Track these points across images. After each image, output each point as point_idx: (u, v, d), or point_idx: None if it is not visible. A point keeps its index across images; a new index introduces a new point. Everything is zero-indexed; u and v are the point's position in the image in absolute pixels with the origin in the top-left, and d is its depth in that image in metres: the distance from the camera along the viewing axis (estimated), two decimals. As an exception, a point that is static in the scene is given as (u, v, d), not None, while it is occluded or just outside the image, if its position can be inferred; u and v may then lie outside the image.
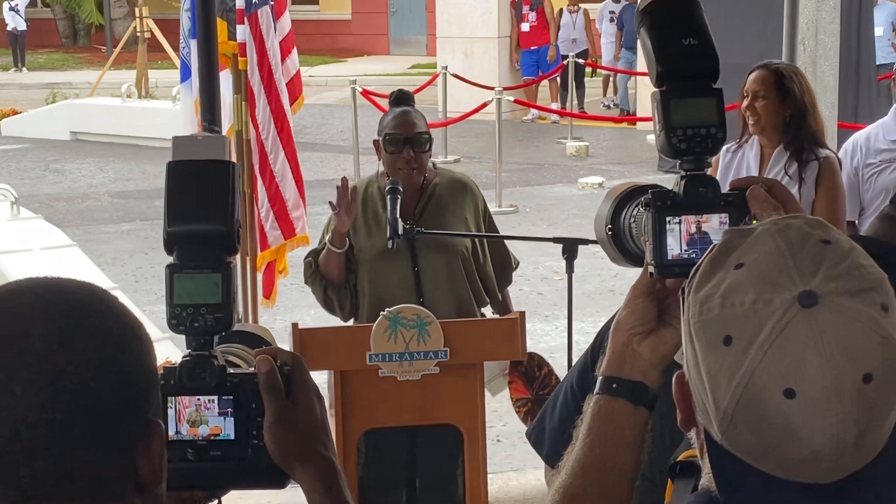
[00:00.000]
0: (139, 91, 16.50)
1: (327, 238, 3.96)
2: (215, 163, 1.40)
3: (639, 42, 1.60)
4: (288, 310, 7.37)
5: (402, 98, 4.14)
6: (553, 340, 7.11)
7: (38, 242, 6.90)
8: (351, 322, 4.05)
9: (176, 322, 1.39)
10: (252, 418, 1.39)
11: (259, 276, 5.65)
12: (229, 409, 1.38)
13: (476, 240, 4.12)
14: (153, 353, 1.20)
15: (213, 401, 1.38)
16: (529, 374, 4.02)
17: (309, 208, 5.66)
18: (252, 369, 1.40)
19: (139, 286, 8.16)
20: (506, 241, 4.30)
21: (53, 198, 11.96)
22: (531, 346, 6.87)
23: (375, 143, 4.10)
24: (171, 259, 1.40)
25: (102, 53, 25.57)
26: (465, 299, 4.06)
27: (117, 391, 1.15)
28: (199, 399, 1.38)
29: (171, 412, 1.37)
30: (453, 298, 4.01)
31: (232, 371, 1.40)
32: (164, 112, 14.53)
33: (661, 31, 1.52)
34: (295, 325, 3.69)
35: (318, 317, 7.08)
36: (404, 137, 3.96)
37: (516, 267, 4.33)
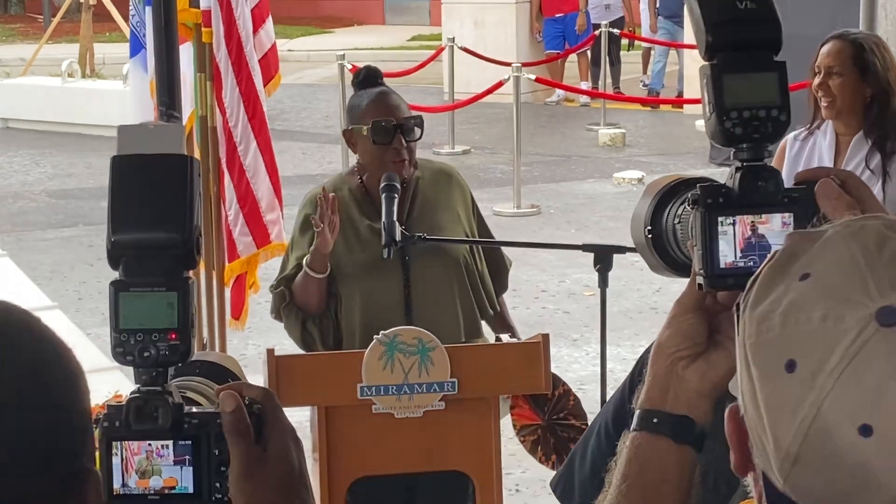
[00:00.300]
0: (83, 69, 16.53)
1: (305, 261, 3.94)
2: (170, 157, 1.40)
3: (685, 5, 1.59)
4: (262, 333, 7.36)
5: (371, 77, 4.14)
6: (583, 369, 7.11)
7: (-40, 252, 6.91)
8: None
9: (122, 351, 1.38)
10: (214, 468, 1.38)
11: (227, 293, 5.65)
12: (187, 457, 1.37)
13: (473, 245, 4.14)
14: (85, 388, 1.20)
15: (167, 446, 1.37)
16: (538, 395, 4.02)
17: (287, 210, 5.65)
18: (215, 408, 1.39)
19: (82, 304, 8.17)
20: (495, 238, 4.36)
21: (-21, 198, 11.99)
22: (558, 375, 6.92)
23: (346, 133, 4.11)
24: (116, 275, 1.39)
25: (39, 24, 25.63)
26: (469, 315, 4.08)
27: (40, 433, 1.14)
28: (150, 444, 1.37)
29: (116, 460, 1.36)
30: (456, 316, 4.02)
31: (191, 410, 1.40)
32: (113, 94, 14.55)
33: None
34: (270, 352, 3.69)
35: (298, 341, 7.08)
36: (395, 124, 3.97)
37: (509, 267, 4.38)
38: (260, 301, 7.60)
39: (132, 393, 1.38)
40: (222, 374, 1.54)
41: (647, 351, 1.71)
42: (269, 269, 5.37)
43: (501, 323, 4.29)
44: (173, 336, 1.37)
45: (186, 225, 1.37)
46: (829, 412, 1.16)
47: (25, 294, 6.79)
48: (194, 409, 1.40)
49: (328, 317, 4.03)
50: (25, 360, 1.16)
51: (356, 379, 3.69)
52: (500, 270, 4.29)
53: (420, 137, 4.05)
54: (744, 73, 1.51)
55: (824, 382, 1.16)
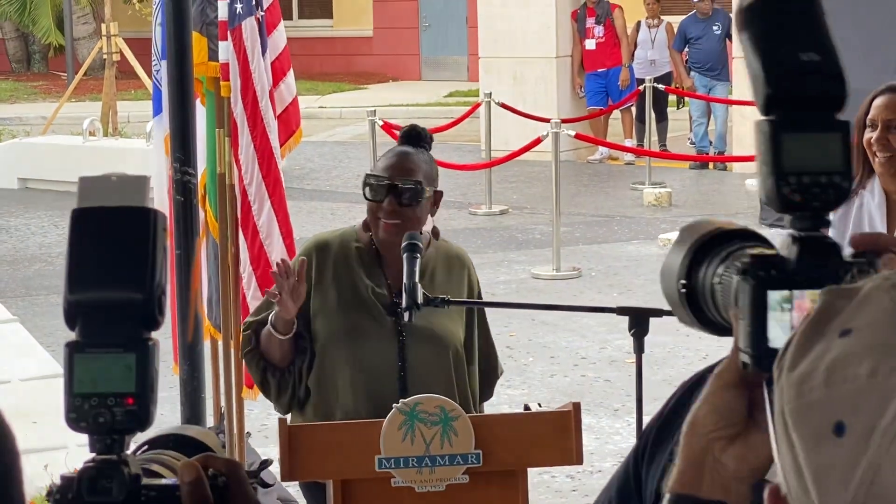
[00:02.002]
0: (105, 127, 16.66)
1: (270, 318, 3.89)
2: (132, 210, 1.37)
3: (738, 54, 1.53)
4: (285, 402, 7.32)
5: (412, 136, 4.10)
6: (624, 441, 7.03)
7: (-31, 317, 6.93)
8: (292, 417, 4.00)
9: (76, 416, 1.35)
10: None
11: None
12: None
13: (468, 334, 4.09)
14: (14, 451, 1.16)
15: None
16: None
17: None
18: (175, 480, 1.35)
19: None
20: (495, 344, 4.26)
21: (-6, 261, 12.05)
22: (598, 447, 6.88)
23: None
24: (72, 335, 1.36)
25: (62, 82, 25.91)
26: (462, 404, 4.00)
27: None
28: None
29: None
30: (453, 396, 3.94)
31: (148, 482, 1.36)
32: (137, 153, 14.65)
33: (770, 40, 1.45)
34: (283, 422, 3.66)
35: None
36: (388, 184, 3.92)
37: (499, 377, 4.31)
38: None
39: (85, 462, 1.35)
40: (198, 448, 1.50)
41: (655, 420, 1.66)
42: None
43: None
44: (130, 401, 1.34)
45: (147, 283, 1.35)
46: (887, 475, 1.10)
47: (36, 360, 6.79)
48: (152, 481, 1.36)
49: (291, 373, 3.97)
50: None
51: (374, 450, 3.65)
52: (490, 375, 4.22)
53: (418, 204, 3.93)
54: (805, 132, 1.43)
55: (880, 442, 1.10)
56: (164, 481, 1.38)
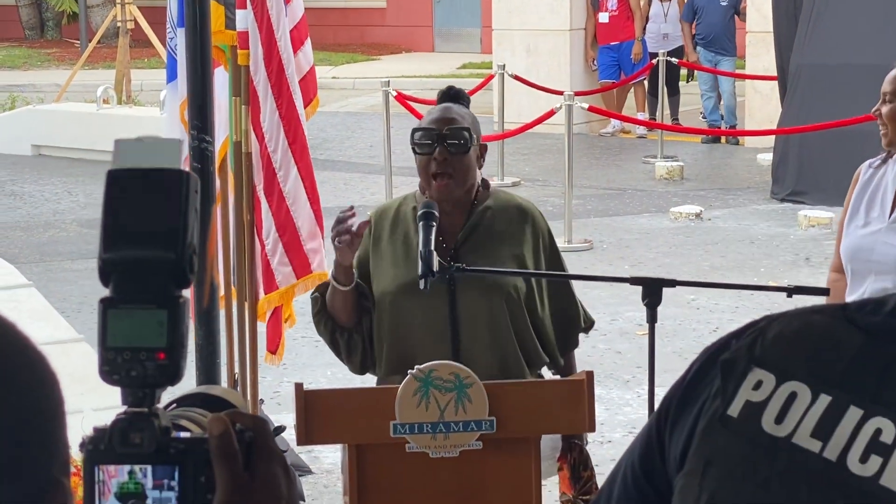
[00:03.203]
0: (119, 95, 16.66)
1: (331, 271, 3.97)
2: (166, 172, 1.39)
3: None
4: (297, 370, 7.37)
5: (451, 94, 4.14)
6: (635, 412, 7.07)
7: (-15, 282, 6.96)
8: (366, 380, 4.04)
9: (109, 369, 1.37)
10: (200, 495, 1.37)
11: (260, 327, 5.65)
12: (169, 482, 1.36)
13: (535, 282, 4.07)
14: (60, 398, 1.19)
15: (148, 471, 1.36)
16: (576, 469, 3.99)
17: (328, 242, 5.66)
18: (204, 434, 1.38)
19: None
20: (576, 293, 4.23)
21: (8, 226, 12.08)
22: (608, 418, 6.90)
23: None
24: (106, 292, 1.39)
25: (75, 49, 25.91)
26: (511, 357, 4.01)
27: (9, 440, 1.14)
28: (130, 469, 1.36)
29: (95, 489, 1.36)
30: (495, 355, 3.98)
31: (178, 435, 1.39)
32: (150, 121, 14.65)
33: None
34: (299, 386, 3.68)
35: (336, 379, 7.08)
36: (437, 133, 3.94)
37: (587, 328, 4.25)
38: (296, 337, 7.62)
39: (118, 415, 1.38)
40: (224, 406, 1.53)
41: (675, 387, 1.68)
42: (305, 303, 5.36)
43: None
44: (161, 356, 1.37)
45: (180, 243, 1.37)
46: None
47: (52, 325, 6.82)
48: (182, 435, 1.40)
49: (359, 332, 4.02)
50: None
51: (389, 416, 3.67)
52: (569, 325, 4.16)
53: (468, 152, 3.96)
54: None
55: None
56: (192, 435, 1.41)
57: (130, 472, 1.36)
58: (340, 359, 4.10)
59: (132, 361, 1.36)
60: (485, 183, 4.14)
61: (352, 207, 3.98)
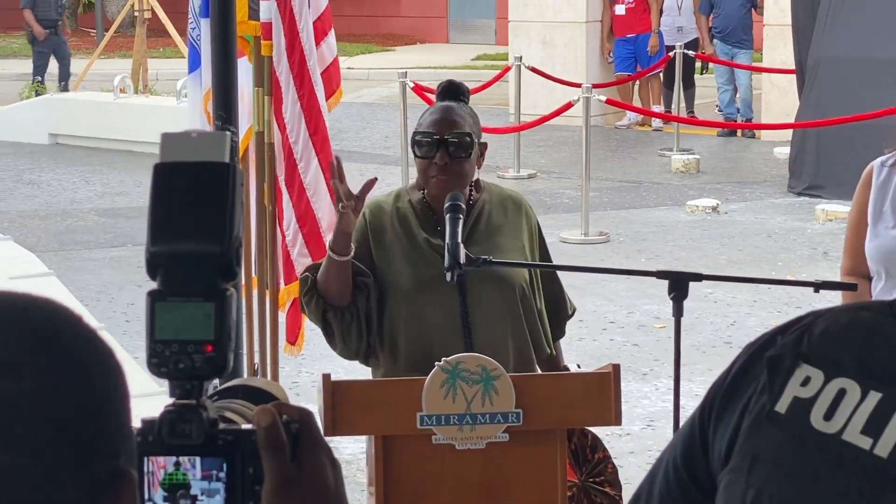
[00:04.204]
0: (135, 85, 16.69)
1: (328, 242, 3.92)
2: (211, 165, 1.40)
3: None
4: (315, 360, 7.37)
5: (451, 90, 4.13)
6: (653, 405, 7.06)
7: (5, 270, 6.98)
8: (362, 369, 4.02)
9: (157, 362, 1.38)
10: (248, 486, 1.38)
11: (281, 317, 5.66)
12: (217, 474, 1.37)
13: (532, 274, 4.11)
14: (126, 390, 1.21)
15: (196, 462, 1.37)
16: (580, 453, 3.98)
17: (346, 232, 5.66)
18: (251, 426, 1.39)
19: (130, 326, 8.22)
20: (561, 282, 4.27)
21: (26, 215, 12.11)
22: (626, 411, 6.82)
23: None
24: (154, 285, 1.40)
25: (92, 38, 25.92)
26: (524, 350, 4.04)
27: (79, 430, 1.17)
28: (179, 460, 1.37)
29: (145, 479, 1.37)
30: (510, 346, 3.98)
31: (225, 427, 1.40)
32: (166, 111, 14.68)
33: None
34: (326, 377, 3.68)
35: (355, 370, 7.07)
36: (438, 138, 3.95)
37: (571, 315, 4.32)
38: (314, 327, 7.61)
39: (166, 406, 1.39)
40: (266, 398, 1.53)
41: (720, 380, 1.68)
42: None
43: (554, 369, 4.20)
44: (209, 348, 1.37)
45: (227, 236, 1.38)
46: None
47: (72, 315, 6.83)
48: (229, 427, 1.41)
49: (351, 312, 3.96)
50: (67, 352, 1.20)
51: (416, 407, 3.67)
52: (559, 314, 4.23)
53: (469, 156, 3.99)
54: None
55: None
56: (240, 426, 1.42)
57: (177, 464, 1.37)
58: (332, 343, 4.03)
59: (180, 354, 1.37)
60: (477, 184, 4.14)
61: (375, 179, 3.97)
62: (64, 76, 18.64)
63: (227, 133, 1.48)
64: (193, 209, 1.38)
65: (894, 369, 1.51)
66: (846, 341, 1.56)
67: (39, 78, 18.37)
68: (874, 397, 1.50)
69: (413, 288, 3.97)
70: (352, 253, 3.90)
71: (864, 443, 1.49)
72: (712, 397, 1.69)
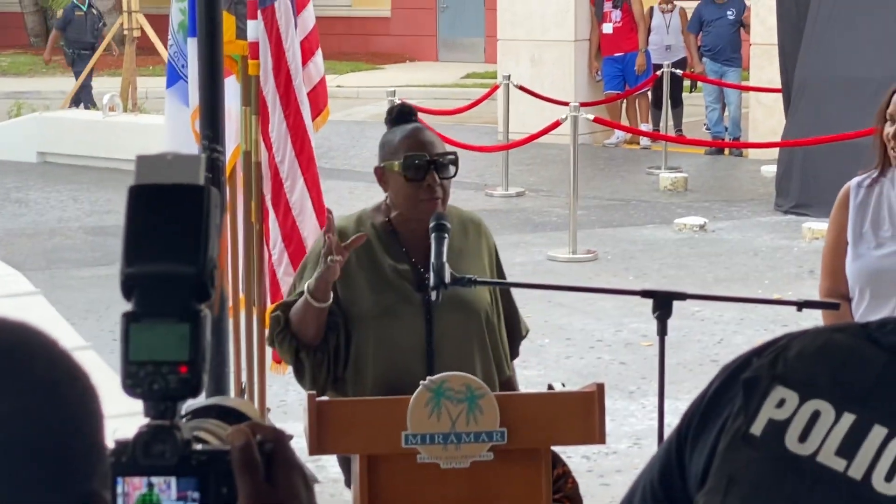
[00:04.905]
0: (124, 103, 16.69)
1: (307, 286, 3.88)
2: (186, 187, 1.41)
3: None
4: (304, 378, 7.36)
5: (405, 113, 4.15)
6: (640, 423, 7.07)
7: (-7, 288, 6.96)
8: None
9: (132, 383, 1.39)
10: None
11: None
12: (191, 494, 1.38)
13: (492, 297, 4.13)
14: (101, 411, 1.22)
15: (171, 483, 1.38)
16: None
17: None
18: (226, 446, 1.40)
19: (117, 345, 8.13)
20: (516, 303, 4.30)
21: (14, 234, 12.09)
22: (613, 429, 6.90)
23: (378, 170, 4.09)
24: (128, 306, 1.41)
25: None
26: (490, 371, 4.05)
27: (53, 453, 1.18)
28: (153, 480, 1.38)
29: (119, 501, 1.38)
30: (478, 370, 3.98)
31: (199, 447, 1.40)
32: (156, 129, 14.61)
33: None
34: (311, 396, 3.69)
35: (341, 388, 7.08)
36: (428, 160, 3.96)
37: (525, 336, 4.35)
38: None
39: (140, 427, 1.39)
40: (239, 418, 1.54)
41: (697, 402, 1.69)
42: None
43: (511, 390, 4.21)
44: (184, 369, 1.38)
45: (201, 258, 1.39)
46: None
47: (58, 333, 6.82)
48: (203, 447, 1.41)
49: (323, 351, 3.97)
50: (41, 375, 1.22)
51: (401, 426, 3.68)
52: (514, 335, 4.27)
53: (454, 175, 4.03)
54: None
55: None
56: (214, 446, 1.43)
57: (150, 485, 1.38)
58: (301, 380, 4.03)
59: (154, 375, 1.37)
60: None
61: (364, 235, 3.94)
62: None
63: (202, 156, 1.49)
64: (168, 231, 1.39)
65: (868, 391, 1.52)
66: (821, 363, 1.57)
67: (84, 104, 18.28)
68: (848, 419, 1.51)
69: (380, 315, 3.97)
70: (330, 301, 3.90)
71: (839, 465, 1.49)
72: (689, 419, 1.70)
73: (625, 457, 6.57)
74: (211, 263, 1.39)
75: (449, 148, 4.07)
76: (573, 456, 6.56)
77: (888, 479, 1.47)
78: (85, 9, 18.51)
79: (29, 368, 1.21)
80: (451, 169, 4.00)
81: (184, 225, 1.39)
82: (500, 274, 4.25)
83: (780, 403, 1.55)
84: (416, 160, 3.97)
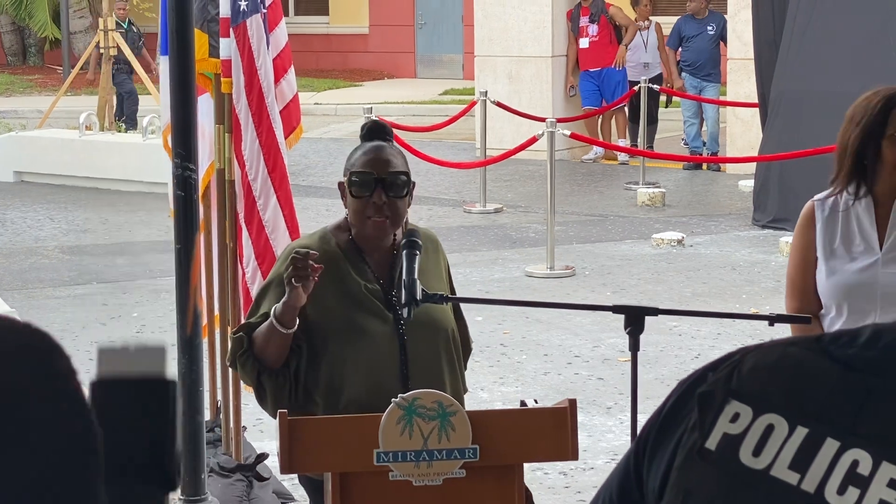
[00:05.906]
0: (101, 122, 16.66)
1: (274, 311, 3.85)
2: (150, 382, 1.41)
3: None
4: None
5: (376, 130, 4.14)
6: (617, 439, 7.08)
7: (-32, 309, 6.96)
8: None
9: None
10: None
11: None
12: None
13: (452, 312, 4.15)
14: (99, 440, 1.27)
15: None
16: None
17: (308, 268, 5.67)
18: None
19: (93, 365, 8.18)
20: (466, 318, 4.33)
21: (-9, 254, 12.06)
22: (590, 445, 6.91)
23: (340, 185, 4.09)
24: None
25: (57, 75, 25.90)
26: (458, 388, 4.07)
27: (84, 449, 1.25)
28: None
29: None
30: (448, 388, 3.99)
31: None
32: (132, 148, 14.68)
33: None
34: (283, 414, 3.68)
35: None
36: (375, 177, 3.95)
37: (472, 350, 4.39)
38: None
39: None
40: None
41: (653, 418, 1.70)
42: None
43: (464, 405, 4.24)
44: None
45: (167, 454, 1.40)
46: None
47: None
48: None
49: (284, 375, 3.95)
50: (65, 375, 1.29)
51: (373, 444, 3.68)
52: (465, 350, 4.28)
53: (406, 196, 3.99)
54: None
55: None
56: None
57: None
58: (263, 404, 4.01)
59: None
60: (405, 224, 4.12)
61: (303, 252, 3.85)
62: (120, 113, 18.53)
63: (164, 347, 1.48)
64: (132, 428, 1.40)
65: (821, 404, 1.53)
66: (774, 377, 1.58)
67: (125, 120, 18.25)
68: (801, 432, 1.52)
69: (355, 335, 3.96)
70: (296, 327, 3.89)
71: (792, 478, 1.50)
72: (646, 434, 1.71)
73: (602, 472, 6.57)
74: (178, 458, 1.41)
75: (402, 169, 4.00)
76: (550, 472, 6.58)
77: (840, 492, 1.48)
78: (126, 26, 18.48)
79: (56, 371, 1.27)
80: (402, 189, 3.96)
81: (148, 423, 1.39)
82: (453, 291, 4.28)
83: (735, 418, 1.56)
84: (363, 177, 3.96)
